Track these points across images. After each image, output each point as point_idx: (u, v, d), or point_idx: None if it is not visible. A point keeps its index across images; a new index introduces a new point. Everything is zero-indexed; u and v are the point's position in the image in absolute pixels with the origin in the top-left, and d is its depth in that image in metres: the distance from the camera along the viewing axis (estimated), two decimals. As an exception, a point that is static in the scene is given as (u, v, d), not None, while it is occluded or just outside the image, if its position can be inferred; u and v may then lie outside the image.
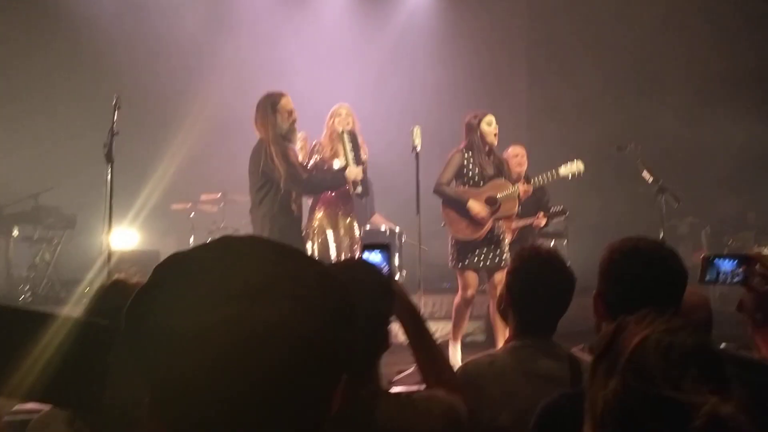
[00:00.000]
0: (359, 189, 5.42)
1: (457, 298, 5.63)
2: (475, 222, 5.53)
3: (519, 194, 5.55)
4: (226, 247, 0.76)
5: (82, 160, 6.96)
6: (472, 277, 5.53)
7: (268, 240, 0.79)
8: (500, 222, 5.65)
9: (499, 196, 5.57)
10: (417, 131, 5.47)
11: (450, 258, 5.69)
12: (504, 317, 2.39)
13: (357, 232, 5.74)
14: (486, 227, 5.52)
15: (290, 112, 5.10)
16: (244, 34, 9.47)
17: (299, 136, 5.69)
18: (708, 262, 2.12)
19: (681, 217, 9.02)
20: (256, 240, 0.78)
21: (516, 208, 5.60)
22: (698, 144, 8.65)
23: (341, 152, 5.43)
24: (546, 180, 5.67)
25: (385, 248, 1.92)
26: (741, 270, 2.10)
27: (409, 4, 10.64)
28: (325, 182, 5.32)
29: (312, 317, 0.71)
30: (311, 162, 5.61)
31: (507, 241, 5.72)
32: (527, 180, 5.64)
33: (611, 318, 1.78)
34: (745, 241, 8.36)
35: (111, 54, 8.55)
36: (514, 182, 5.66)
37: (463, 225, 5.59)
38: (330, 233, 5.58)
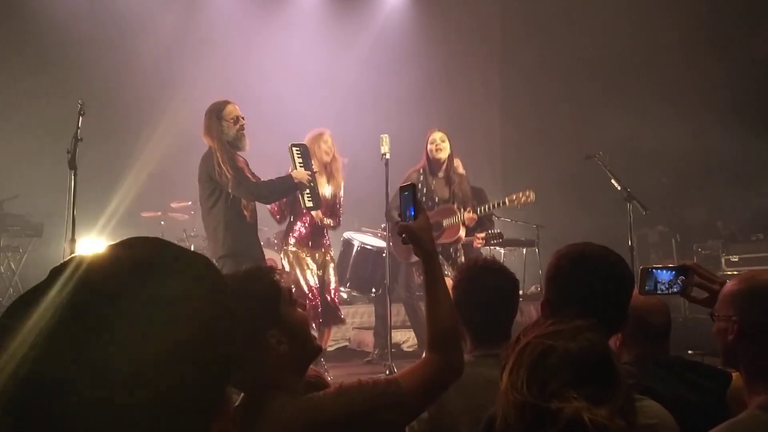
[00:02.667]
0: (308, 203, 5.40)
1: None
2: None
3: (464, 221, 5.64)
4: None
5: (50, 168, 6.86)
6: None
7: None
8: (458, 245, 5.79)
9: (445, 222, 5.65)
10: (386, 139, 5.51)
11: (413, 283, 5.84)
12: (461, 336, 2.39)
13: (330, 272, 5.73)
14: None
15: (236, 119, 5.10)
16: (216, 43, 9.44)
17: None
18: (646, 273, 2.15)
19: (651, 226, 9.09)
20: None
21: (458, 235, 5.68)
22: (668, 152, 8.73)
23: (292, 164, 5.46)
24: (491, 209, 5.75)
25: (412, 188, 1.92)
26: (679, 280, 2.13)
27: (381, 13, 10.67)
28: (273, 186, 5.27)
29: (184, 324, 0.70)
30: None
31: (462, 261, 5.79)
32: (474, 209, 5.70)
33: (558, 325, 1.77)
34: (713, 249, 8.45)
35: (77, 59, 8.46)
36: (465, 202, 5.73)
37: (403, 248, 5.75)
38: (302, 269, 5.60)
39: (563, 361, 1.19)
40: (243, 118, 5.14)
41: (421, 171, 5.78)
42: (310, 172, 5.37)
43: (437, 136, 5.76)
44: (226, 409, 0.78)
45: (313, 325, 5.45)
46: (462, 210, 5.68)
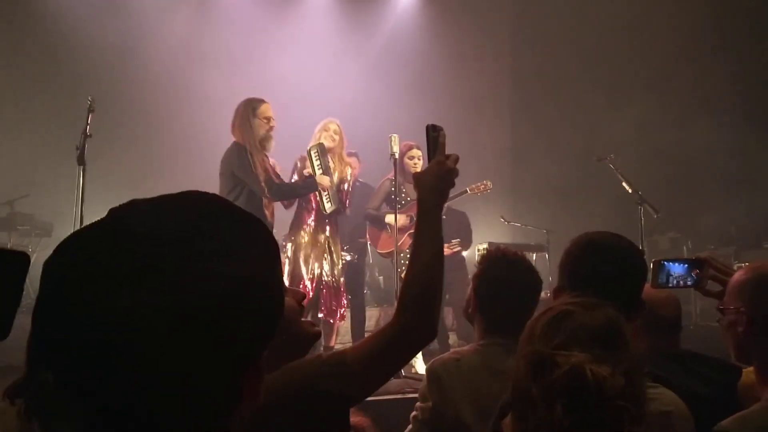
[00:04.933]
0: (328, 205, 5.42)
1: None
2: (393, 235, 5.85)
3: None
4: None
5: (60, 167, 6.90)
6: None
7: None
8: None
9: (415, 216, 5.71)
10: (395, 139, 5.51)
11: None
12: (471, 321, 2.41)
13: (334, 251, 5.73)
14: (400, 241, 5.87)
15: (268, 119, 5.13)
16: (226, 44, 9.47)
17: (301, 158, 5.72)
18: (659, 266, 2.12)
19: (662, 232, 9.03)
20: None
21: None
22: (680, 156, 8.68)
23: (309, 167, 5.49)
24: (454, 198, 6.03)
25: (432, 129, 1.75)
26: (693, 273, 2.10)
27: (392, 13, 10.69)
28: (296, 190, 5.42)
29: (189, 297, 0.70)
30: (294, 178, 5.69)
31: None
32: None
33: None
34: (725, 255, 8.38)
35: (87, 56, 8.49)
36: None
37: (382, 238, 6.10)
38: (310, 254, 5.60)
39: (576, 324, 1.23)
40: (273, 119, 5.18)
41: (392, 180, 5.88)
42: (330, 178, 5.41)
43: (416, 153, 6.01)
44: (260, 371, 0.79)
45: (318, 315, 5.45)
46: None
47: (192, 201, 0.78)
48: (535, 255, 8.68)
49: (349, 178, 5.79)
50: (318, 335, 1.78)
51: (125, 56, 8.71)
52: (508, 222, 8.72)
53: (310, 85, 9.24)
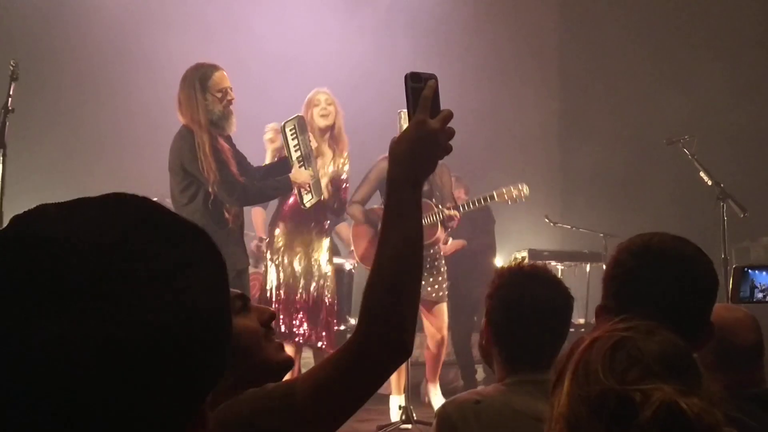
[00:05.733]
0: (308, 199, 5.45)
1: None
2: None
3: (443, 220, 5.78)
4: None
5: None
6: None
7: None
8: (437, 247, 6.02)
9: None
10: (405, 116, 5.47)
11: None
12: (487, 359, 2.42)
13: (325, 257, 5.79)
14: None
15: (224, 92, 4.98)
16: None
17: (269, 127, 5.70)
18: (741, 274, 2.08)
19: (754, 238, 8.97)
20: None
21: (436, 236, 5.87)
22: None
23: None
24: (476, 205, 6.01)
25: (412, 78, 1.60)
26: None
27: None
28: (264, 191, 5.34)
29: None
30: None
31: (444, 270, 6.05)
32: (455, 206, 5.92)
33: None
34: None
35: (8, 8, 8.47)
36: (445, 198, 5.95)
37: (367, 243, 5.92)
38: (293, 257, 5.65)
39: (641, 352, 1.24)
40: (231, 89, 5.04)
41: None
42: (312, 172, 5.41)
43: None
44: (202, 423, 0.79)
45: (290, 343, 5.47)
46: (440, 207, 5.83)
47: (118, 208, 0.77)
48: (589, 266, 8.67)
49: (346, 168, 5.79)
50: (288, 362, 1.75)
51: (61, 10, 8.71)
52: (555, 224, 8.70)
53: (299, 51, 9.24)
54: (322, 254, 5.71)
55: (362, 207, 5.91)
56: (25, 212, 0.75)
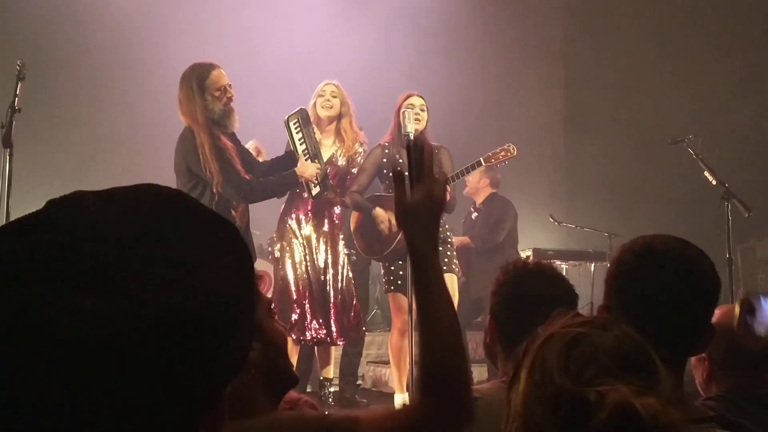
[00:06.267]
0: (315, 190, 5.44)
1: (392, 333, 5.79)
2: (384, 234, 5.67)
3: None
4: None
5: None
6: (403, 301, 5.60)
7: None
8: (446, 236, 5.81)
9: None
10: (410, 116, 5.48)
11: (382, 280, 5.88)
12: (492, 358, 2.42)
13: (340, 248, 5.80)
14: (394, 243, 5.61)
15: (223, 90, 5.00)
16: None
17: (250, 145, 5.75)
18: (750, 308, 2.06)
19: (760, 237, 8.95)
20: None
21: None
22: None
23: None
24: (464, 174, 5.83)
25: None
26: None
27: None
28: (269, 187, 5.32)
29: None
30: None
31: (454, 258, 5.87)
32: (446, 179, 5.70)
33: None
34: None
35: (16, 8, 8.50)
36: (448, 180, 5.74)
37: (370, 239, 5.78)
38: (302, 246, 5.65)
39: (597, 349, 1.23)
40: (231, 86, 5.06)
41: (387, 145, 5.74)
42: (319, 166, 5.41)
43: (416, 102, 5.71)
44: (221, 413, 0.80)
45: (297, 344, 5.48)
46: None
47: (149, 197, 0.79)
48: (593, 265, 8.64)
49: (359, 159, 5.79)
50: (296, 381, 1.78)
51: (68, 12, 8.72)
52: (559, 223, 8.69)
53: (304, 47, 9.24)
54: (333, 246, 5.72)
55: (361, 196, 5.77)
56: (61, 197, 0.77)
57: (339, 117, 5.72)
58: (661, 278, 1.78)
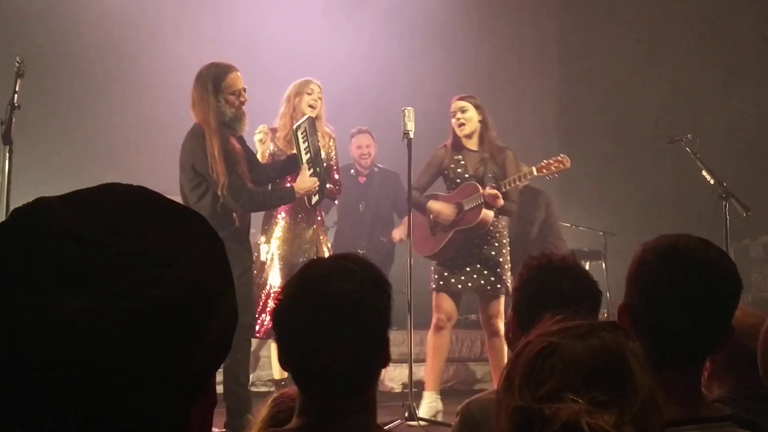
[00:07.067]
0: (314, 199, 5.52)
1: (430, 330, 5.81)
2: (436, 231, 5.78)
3: (485, 199, 5.60)
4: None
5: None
6: (444, 300, 5.71)
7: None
8: (502, 236, 5.85)
9: (466, 205, 5.72)
10: (410, 113, 5.50)
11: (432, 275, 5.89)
12: (513, 349, 2.37)
13: (324, 243, 5.85)
14: (445, 240, 5.74)
15: (238, 93, 4.97)
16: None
17: (261, 129, 5.73)
18: None
19: (754, 236, 8.99)
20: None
21: (480, 218, 5.66)
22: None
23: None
24: (516, 183, 5.73)
25: None
26: None
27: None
28: (268, 200, 5.38)
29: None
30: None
31: (507, 262, 5.83)
32: (497, 185, 5.67)
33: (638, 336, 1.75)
34: None
35: (15, 5, 8.48)
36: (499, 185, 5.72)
37: (419, 235, 5.86)
38: (289, 250, 5.67)
39: (565, 361, 1.21)
40: (245, 90, 5.03)
41: (448, 146, 5.84)
42: (318, 180, 5.43)
43: (457, 105, 5.78)
44: (211, 399, 0.83)
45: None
46: (482, 188, 5.67)
47: (115, 195, 0.80)
48: (588, 264, 8.66)
49: (333, 154, 5.84)
50: None
51: (67, 9, 8.70)
52: (555, 221, 8.69)
53: (301, 46, 9.23)
54: (315, 247, 5.72)
55: (420, 194, 5.84)
56: (25, 205, 0.77)
57: (318, 117, 5.71)
58: (685, 278, 1.78)
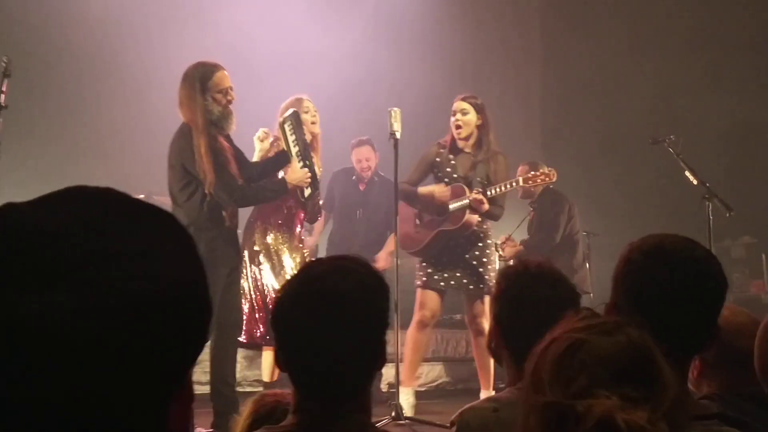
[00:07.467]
0: (308, 193, 5.50)
1: (411, 326, 5.83)
2: (422, 226, 5.82)
3: (470, 204, 5.65)
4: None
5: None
6: (429, 297, 5.74)
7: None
8: (487, 237, 5.89)
9: (451, 206, 5.74)
10: (396, 114, 5.51)
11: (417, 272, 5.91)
12: (497, 358, 2.41)
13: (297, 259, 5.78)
14: (428, 238, 5.78)
15: (225, 92, 4.98)
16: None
17: (260, 134, 5.74)
18: None
19: (735, 237, 9.05)
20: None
21: (463, 221, 5.71)
22: (763, 141, 8.69)
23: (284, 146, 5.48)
24: (501, 190, 5.74)
25: None
26: None
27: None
28: (261, 193, 5.36)
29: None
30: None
31: (495, 262, 5.92)
32: (483, 190, 5.69)
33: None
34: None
35: (2, 10, 8.45)
36: (491, 187, 5.75)
37: (404, 230, 5.83)
38: (268, 260, 5.65)
39: (594, 358, 1.20)
40: (232, 89, 5.03)
41: (443, 144, 5.87)
42: (309, 173, 5.42)
43: (459, 106, 5.80)
44: (189, 394, 0.84)
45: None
46: (469, 191, 5.71)
47: (83, 196, 0.80)
48: (572, 264, 8.69)
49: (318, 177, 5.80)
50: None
51: (54, 10, 8.65)
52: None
53: (287, 47, 9.22)
54: (296, 256, 5.71)
55: (408, 187, 5.82)
56: None
57: (314, 136, 5.74)
58: (671, 278, 1.80)
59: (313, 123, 5.68)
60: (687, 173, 5.97)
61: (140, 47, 8.67)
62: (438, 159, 5.83)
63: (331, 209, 7.05)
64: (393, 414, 5.23)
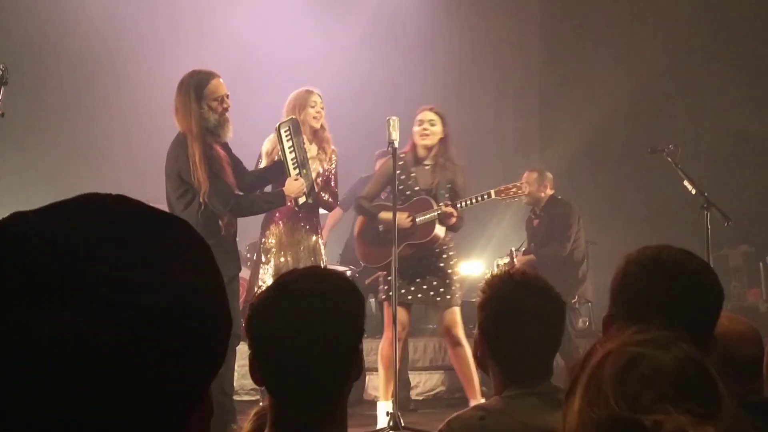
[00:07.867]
0: (301, 199, 5.45)
1: (383, 342, 5.77)
2: (385, 241, 5.68)
3: (440, 217, 5.64)
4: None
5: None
6: (399, 311, 5.60)
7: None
8: (449, 249, 5.85)
9: (418, 219, 5.70)
10: (395, 123, 5.49)
11: (380, 286, 5.87)
12: (483, 368, 2.39)
13: (323, 253, 5.81)
14: (400, 247, 5.62)
15: (220, 100, 4.97)
16: (193, 7, 9.46)
17: (267, 148, 5.71)
18: None
19: (733, 246, 9.06)
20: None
21: (433, 233, 5.69)
22: (759, 150, 8.70)
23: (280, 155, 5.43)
24: (473, 202, 5.76)
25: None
26: None
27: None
28: (256, 203, 5.36)
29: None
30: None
31: (459, 273, 5.92)
32: (453, 203, 5.69)
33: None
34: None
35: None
36: (454, 199, 5.75)
37: (371, 246, 5.85)
38: (287, 256, 5.60)
39: (656, 372, 1.18)
40: (228, 97, 5.03)
41: (403, 157, 5.76)
42: (304, 181, 5.39)
43: (427, 116, 5.76)
44: (208, 408, 0.81)
45: None
46: (436, 203, 5.68)
47: (94, 205, 0.78)
48: (569, 273, 8.68)
49: (334, 166, 5.82)
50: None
51: (50, 18, 8.67)
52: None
53: (283, 54, 9.23)
54: (314, 256, 5.71)
55: (368, 202, 5.83)
56: (1, 221, 0.74)
57: (322, 127, 5.71)
58: (668, 289, 1.81)
59: (314, 118, 5.63)
60: (686, 183, 5.98)
61: (137, 55, 8.69)
62: (398, 171, 5.64)
63: (347, 208, 7.06)
64: (390, 423, 5.21)
